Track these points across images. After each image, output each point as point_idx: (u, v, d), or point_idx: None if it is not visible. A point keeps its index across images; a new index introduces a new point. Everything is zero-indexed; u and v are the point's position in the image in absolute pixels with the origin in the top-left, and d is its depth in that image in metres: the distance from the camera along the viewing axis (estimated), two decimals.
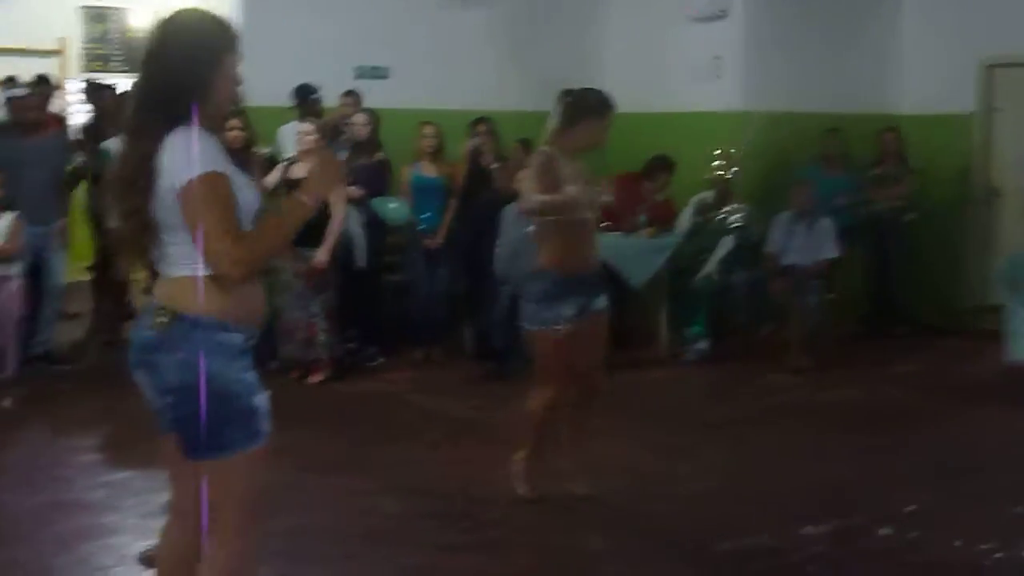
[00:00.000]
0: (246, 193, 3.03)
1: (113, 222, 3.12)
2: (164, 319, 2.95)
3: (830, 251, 8.45)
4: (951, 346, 9.10)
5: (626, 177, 8.79)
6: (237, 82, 3.06)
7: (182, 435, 2.99)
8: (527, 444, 5.21)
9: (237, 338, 2.98)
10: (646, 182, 8.87)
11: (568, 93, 5.07)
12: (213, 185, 2.89)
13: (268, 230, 3.00)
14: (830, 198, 8.99)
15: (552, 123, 5.06)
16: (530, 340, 5.10)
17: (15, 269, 7.30)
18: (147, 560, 4.34)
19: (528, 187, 5.00)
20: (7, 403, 6.82)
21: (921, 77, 9.89)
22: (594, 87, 5.24)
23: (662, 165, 8.87)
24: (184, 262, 2.96)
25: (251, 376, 3.01)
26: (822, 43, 9.68)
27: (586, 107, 5.02)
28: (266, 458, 3.08)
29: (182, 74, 2.93)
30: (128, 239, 3.04)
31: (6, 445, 6.18)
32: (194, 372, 2.90)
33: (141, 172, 2.91)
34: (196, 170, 2.86)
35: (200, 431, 2.93)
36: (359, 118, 8.27)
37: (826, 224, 8.49)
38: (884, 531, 4.84)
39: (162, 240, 2.98)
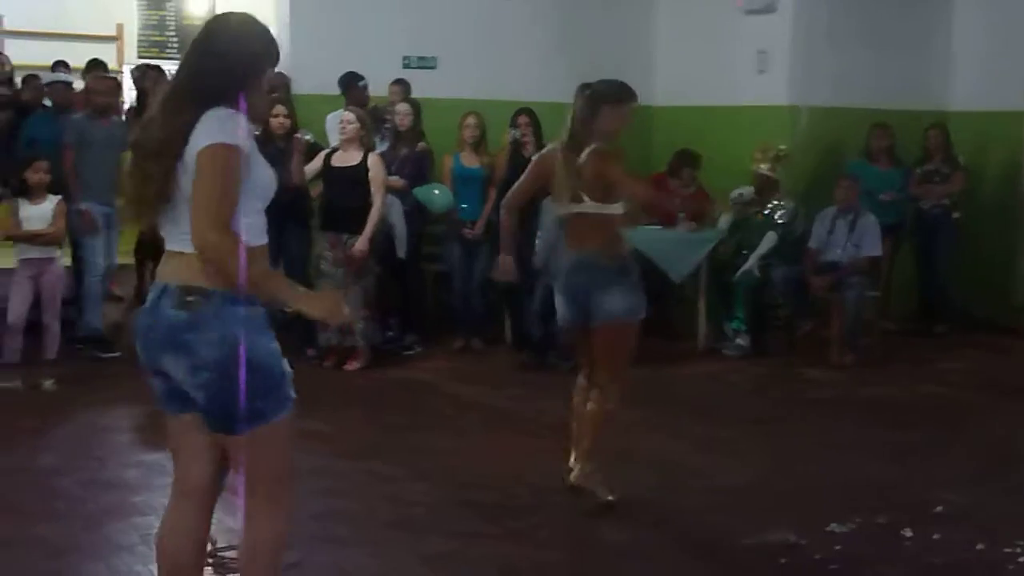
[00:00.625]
0: (261, 173, 3.12)
1: (131, 191, 3.17)
2: (193, 298, 3.01)
3: (873, 248, 8.36)
4: (998, 344, 8.99)
5: (656, 176, 8.89)
6: (267, 94, 3.23)
7: (218, 411, 3.06)
8: (600, 450, 5.07)
9: (261, 310, 3.08)
10: (671, 179, 8.88)
11: (586, 86, 5.06)
12: (223, 155, 2.97)
13: (254, 263, 3.00)
14: (876, 194, 8.93)
15: (572, 117, 5.03)
16: (619, 332, 4.99)
17: (59, 252, 7.42)
18: None
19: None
20: (49, 384, 6.93)
21: (971, 73, 9.76)
22: (616, 79, 5.18)
23: (685, 160, 8.84)
24: None
25: (277, 345, 3.13)
26: (871, 38, 9.56)
27: (604, 96, 5.01)
28: (293, 425, 3.18)
29: (235, 65, 3.06)
30: (145, 207, 3.10)
31: (46, 426, 6.29)
32: (232, 347, 2.98)
33: (173, 142, 3.00)
34: (215, 138, 2.96)
35: (239, 404, 3.01)
36: (402, 107, 8.31)
37: (870, 220, 8.41)
38: (909, 531, 4.79)
39: (177, 214, 3.04)
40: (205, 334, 3.00)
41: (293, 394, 3.14)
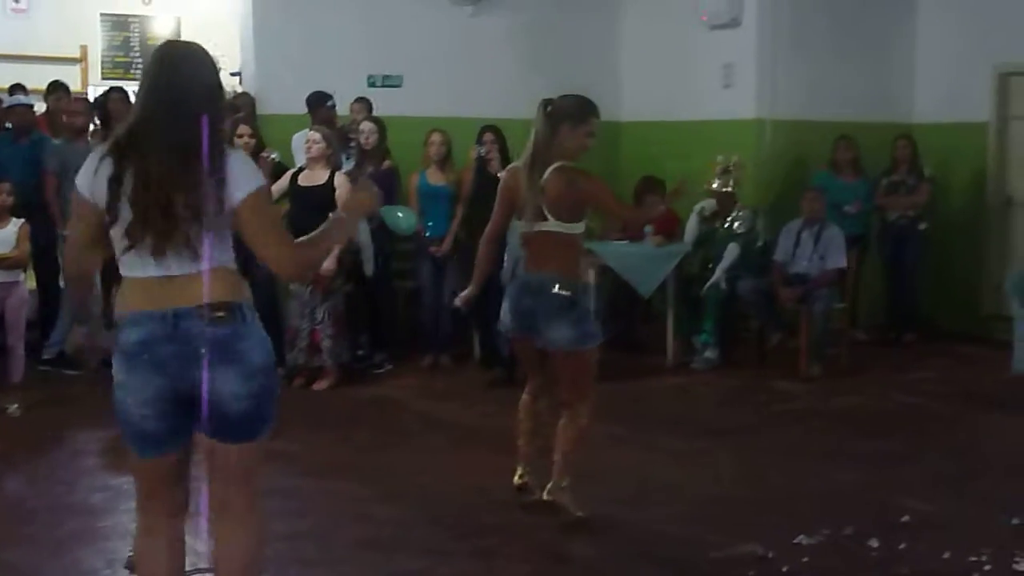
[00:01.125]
0: None
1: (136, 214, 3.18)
2: (222, 313, 3.12)
3: (839, 260, 8.41)
4: (966, 354, 9.05)
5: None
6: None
7: (257, 417, 3.19)
8: (573, 465, 5.07)
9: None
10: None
11: (547, 103, 5.03)
12: (269, 197, 3.35)
13: (318, 240, 3.37)
14: (841, 206, 9.00)
15: (535, 134, 5.01)
16: (574, 359, 4.96)
17: (23, 275, 7.35)
18: (133, 566, 4.39)
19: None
20: (14, 409, 6.86)
21: (935, 85, 9.87)
22: (576, 94, 5.16)
23: (649, 186, 8.86)
24: (221, 258, 3.17)
25: None
26: (835, 50, 9.66)
27: (564, 113, 4.99)
28: None
29: (206, 93, 3.18)
30: (158, 230, 3.11)
31: (12, 449, 6.24)
32: (270, 352, 3.23)
33: (188, 175, 3.09)
34: (256, 183, 3.20)
35: (271, 406, 3.23)
36: (366, 126, 8.31)
37: (835, 232, 8.46)
38: (875, 541, 4.81)
39: (196, 239, 3.10)
40: (251, 341, 3.16)
41: None
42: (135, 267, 3.16)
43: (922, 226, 9.40)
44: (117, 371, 3.19)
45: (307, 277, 3.24)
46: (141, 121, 3.17)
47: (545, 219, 4.92)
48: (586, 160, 5.17)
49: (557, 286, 4.89)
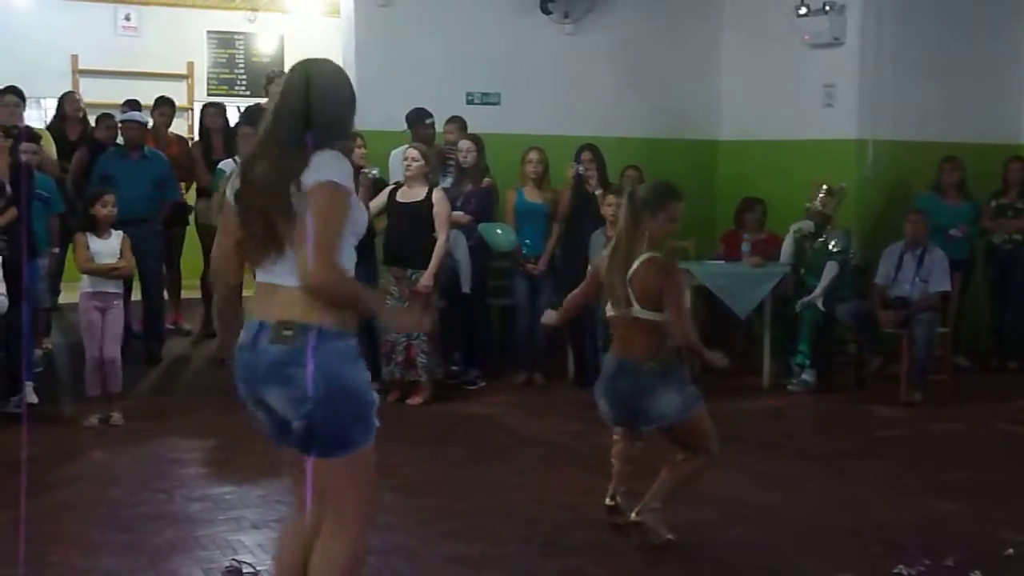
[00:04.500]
0: (358, 212, 3.26)
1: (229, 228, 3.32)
2: (290, 332, 3.13)
3: (942, 283, 8.23)
4: None
5: (727, 233, 9.15)
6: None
7: (320, 439, 3.18)
8: (669, 492, 5.08)
9: (354, 342, 3.24)
10: (740, 230, 9.02)
11: (632, 192, 5.11)
12: (336, 195, 3.13)
13: (357, 290, 3.25)
14: (946, 229, 8.81)
15: (620, 222, 5.11)
16: (684, 428, 4.97)
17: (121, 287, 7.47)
18: (231, 575, 4.48)
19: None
20: (117, 418, 7.01)
21: None
22: (658, 181, 5.30)
23: (748, 206, 8.92)
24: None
25: (368, 374, 3.29)
26: (939, 69, 9.48)
27: (644, 203, 4.99)
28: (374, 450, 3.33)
29: (333, 110, 3.23)
30: (252, 242, 3.22)
31: (114, 458, 6.39)
32: (331, 378, 3.14)
33: (285, 181, 3.12)
34: (328, 175, 3.11)
35: (335, 432, 3.18)
36: (464, 144, 8.37)
37: (939, 256, 8.29)
38: (978, 573, 4.67)
39: (284, 250, 3.15)
40: (304, 368, 3.11)
41: (377, 422, 3.29)
42: (257, 272, 3.30)
43: None
44: None
45: (321, 299, 3.11)
46: (266, 134, 3.26)
47: (631, 305, 4.94)
48: (684, 179, 5.19)
49: (651, 364, 4.92)
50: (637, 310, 4.93)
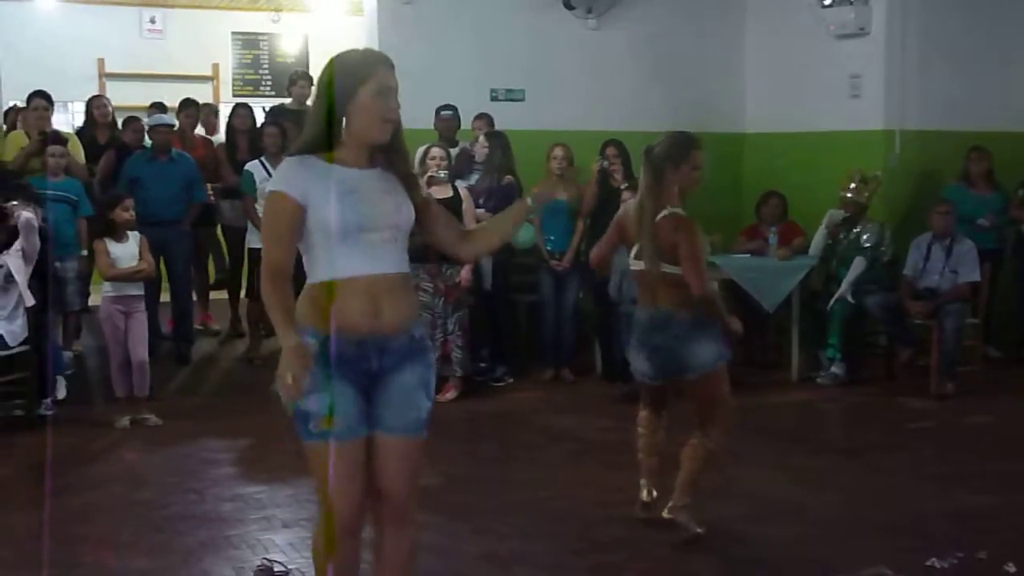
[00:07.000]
0: (328, 212, 3.21)
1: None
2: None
3: (972, 274, 8.17)
4: None
5: (749, 227, 9.07)
6: (381, 108, 3.36)
7: None
8: (695, 485, 5.07)
9: (311, 341, 3.21)
10: (761, 224, 8.97)
11: (649, 149, 4.99)
12: (269, 201, 3.27)
13: (284, 300, 3.20)
14: (974, 219, 8.74)
15: (641, 181, 5.04)
16: (713, 381, 4.95)
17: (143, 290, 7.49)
18: (262, 574, 4.50)
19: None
20: (153, 419, 7.06)
21: None
22: (673, 132, 5.12)
23: (767, 197, 8.89)
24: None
25: (323, 378, 3.21)
26: (967, 59, 9.38)
27: (664, 156, 4.92)
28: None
29: (324, 105, 3.28)
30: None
31: (145, 458, 6.44)
32: None
33: None
34: (268, 186, 3.30)
35: None
36: (483, 140, 8.38)
37: (968, 246, 8.23)
38: (1012, 566, 4.64)
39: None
40: None
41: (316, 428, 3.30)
42: None
43: None
44: None
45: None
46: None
47: (660, 261, 4.90)
48: (710, 174, 5.14)
49: (683, 314, 4.88)
50: (665, 266, 4.89)
